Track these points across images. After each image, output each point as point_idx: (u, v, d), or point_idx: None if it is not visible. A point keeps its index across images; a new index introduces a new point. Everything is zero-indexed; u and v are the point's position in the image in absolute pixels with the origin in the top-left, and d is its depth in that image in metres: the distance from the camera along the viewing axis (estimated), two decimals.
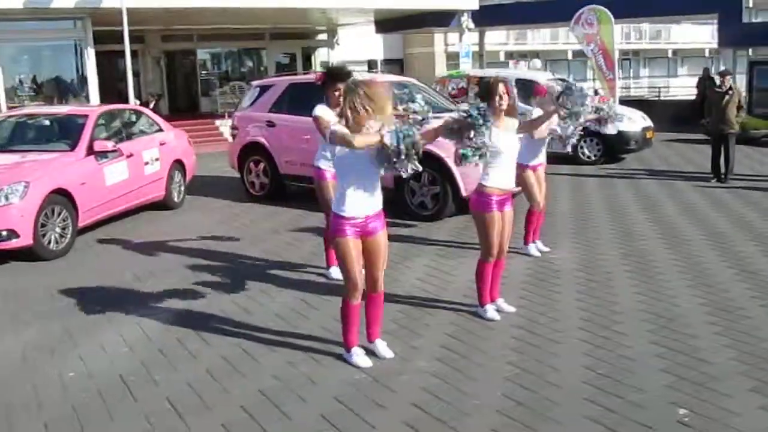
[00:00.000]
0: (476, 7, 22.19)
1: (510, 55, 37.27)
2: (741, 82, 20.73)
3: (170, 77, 24.94)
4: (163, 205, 10.45)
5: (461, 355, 4.99)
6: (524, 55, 37.83)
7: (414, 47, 33.45)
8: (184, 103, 25.40)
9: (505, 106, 5.54)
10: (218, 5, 17.99)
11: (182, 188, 11.00)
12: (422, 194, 9.39)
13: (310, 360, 4.95)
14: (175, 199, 10.73)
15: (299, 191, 11.26)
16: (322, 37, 27.26)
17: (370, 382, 4.60)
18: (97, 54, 18.55)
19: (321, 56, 27.93)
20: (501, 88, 5.51)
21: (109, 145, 8.91)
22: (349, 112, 4.45)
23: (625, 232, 8.58)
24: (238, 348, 5.22)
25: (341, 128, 4.38)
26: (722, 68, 26.61)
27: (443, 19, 22.90)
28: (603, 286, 6.51)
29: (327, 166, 6.65)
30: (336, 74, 6.48)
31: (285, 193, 11.21)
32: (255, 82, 12.14)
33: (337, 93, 6.33)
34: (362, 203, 4.58)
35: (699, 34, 42.89)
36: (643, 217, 9.47)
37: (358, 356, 4.84)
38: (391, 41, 31.57)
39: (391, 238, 8.06)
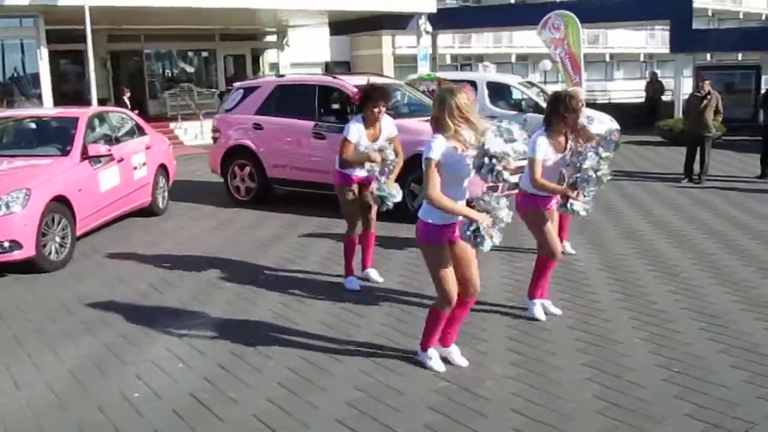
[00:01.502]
0: (434, 10, 22.27)
1: (455, 58, 37.59)
2: (688, 86, 21.44)
3: (116, 79, 24.16)
4: (148, 211, 10.07)
5: (534, 359, 4.95)
6: (468, 59, 38.23)
7: (361, 49, 33.39)
8: (130, 105, 24.64)
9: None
10: (179, 5, 17.50)
11: (166, 194, 10.64)
12: (423, 197, 9.28)
13: (383, 369, 4.82)
14: (160, 205, 10.37)
15: (284, 195, 11.06)
16: (272, 38, 26.91)
17: (457, 389, 4.50)
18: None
19: (270, 57, 27.58)
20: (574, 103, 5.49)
21: (103, 149, 8.53)
22: (449, 122, 4.33)
23: (629, 232, 8.72)
24: (300, 359, 5.03)
25: (439, 195, 4.32)
26: (651, 71, 27.51)
27: (400, 21, 22.90)
28: (633, 285, 6.59)
29: (351, 171, 6.53)
30: (378, 93, 6.36)
31: (270, 197, 10.96)
32: (237, 84, 11.85)
33: (376, 110, 6.26)
34: None
35: (634, 39, 44.24)
36: (638, 216, 9.65)
37: (435, 360, 4.75)
38: (338, 43, 31.39)
39: (408, 242, 8.13)
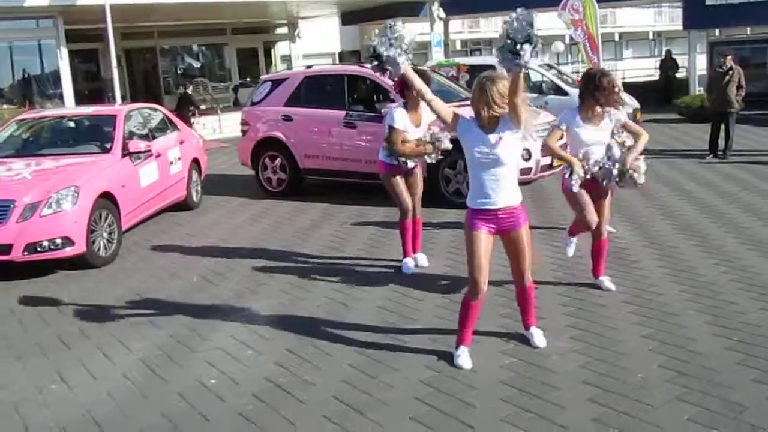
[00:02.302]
0: None
1: (465, 43, 37.58)
2: (702, 62, 21.43)
3: (131, 76, 24.29)
4: (183, 205, 10.20)
5: (594, 333, 5.06)
6: (478, 43, 38.22)
7: (372, 38, 33.34)
8: (146, 101, 24.82)
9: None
10: (194, 0, 17.60)
11: (199, 188, 10.77)
12: (458, 182, 9.40)
13: (447, 349, 4.90)
14: (195, 199, 10.51)
15: (316, 185, 11.18)
16: (283, 30, 26.97)
17: (525, 365, 4.62)
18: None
19: (282, 50, 27.65)
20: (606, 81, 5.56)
21: (143, 145, 8.66)
22: (485, 110, 4.41)
23: (663, 209, 8.81)
24: (365, 342, 5.15)
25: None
26: (666, 49, 27.47)
27: (413, 8, 22.93)
28: (678, 260, 6.69)
29: (397, 161, 6.65)
30: (420, 76, 6.44)
31: (302, 188, 11.08)
32: (264, 77, 11.97)
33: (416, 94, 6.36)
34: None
35: (643, 17, 44.09)
36: (669, 193, 9.74)
37: (464, 357, 4.72)
38: (348, 33, 31.42)
39: (449, 225, 8.26)
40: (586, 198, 5.73)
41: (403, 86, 6.52)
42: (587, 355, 4.71)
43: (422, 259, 6.97)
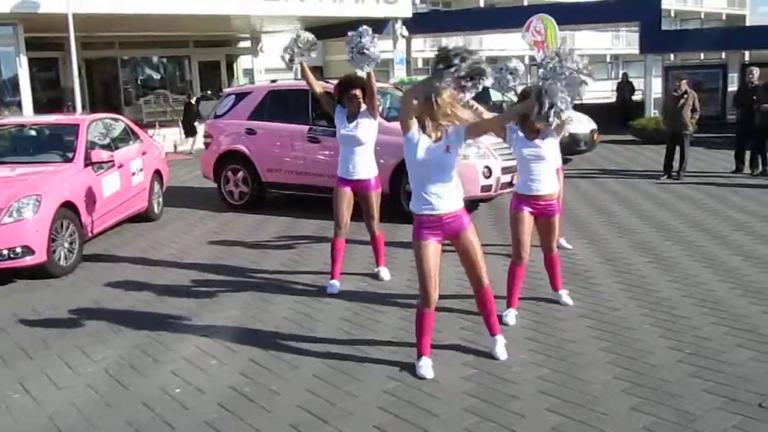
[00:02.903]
0: (410, 15, 22.57)
1: (426, 61, 37.90)
2: (657, 85, 22.02)
3: (90, 86, 24.05)
4: (144, 217, 10.15)
5: (553, 345, 5.20)
6: None
7: (334, 54, 33.58)
8: (105, 112, 24.58)
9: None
10: (156, 12, 17.55)
11: (161, 199, 10.74)
12: None
13: (411, 359, 5.00)
14: (156, 211, 10.46)
15: (278, 199, 11.22)
16: (246, 44, 26.97)
17: (488, 376, 4.73)
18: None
19: (244, 63, 27.63)
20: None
21: (105, 155, 8.62)
22: (446, 120, 4.52)
23: (619, 227, 9.05)
24: (328, 354, 5.22)
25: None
26: (623, 72, 28.15)
27: (376, 26, 22.91)
28: (634, 276, 6.89)
29: (343, 174, 6.81)
30: (351, 81, 6.68)
31: (264, 201, 11.11)
32: (228, 90, 12.00)
33: (352, 99, 6.57)
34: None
35: (601, 41, 45.08)
36: (625, 212, 10.00)
37: (425, 367, 4.79)
38: None
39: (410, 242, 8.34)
40: (527, 228, 5.72)
41: (340, 91, 6.72)
42: (546, 367, 4.84)
43: (384, 273, 7.06)
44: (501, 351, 5.02)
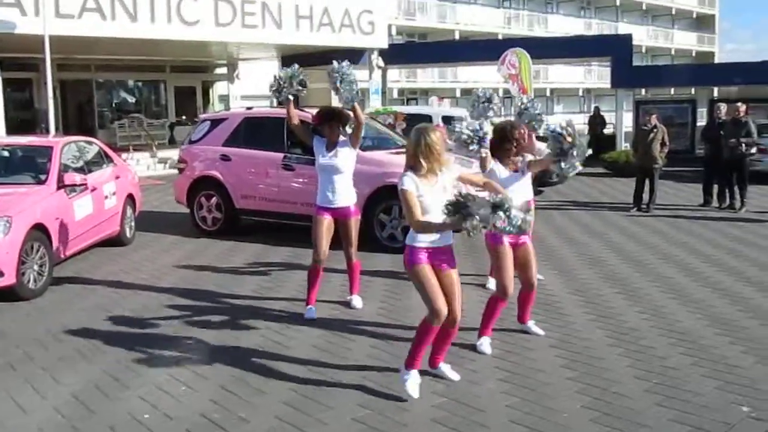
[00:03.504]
0: (386, 46, 22.81)
1: (402, 92, 38.30)
2: (628, 119, 22.39)
3: (64, 107, 23.93)
4: (116, 241, 10.09)
5: (522, 375, 5.25)
6: (415, 92, 39.01)
7: (311, 83, 33.45)
8: (79, 135, 24.45)
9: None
10: (134, 36, 17.60)
11: (133, 224, 10.69)
12: (392, 227, 9.58)
13: (382, 388, 5.02)
14: (128, 235, 10.40)
15: (251, 226, 11.21)
16: (222, 71, 27.05)
17: (456, 404, 4.76)
18: None
19: (220, 90, 27.69)
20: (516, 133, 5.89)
21: (78, 178, 8.58)
22: (423, 161, 4.65)
23: (590, 258, 9.16)
24: (299, 380, 5.22)
25: (421, 221, 4.61)
26: (595, 106, 28.63)
27: (352, 56, 23.12)
28: (603, 307, 6.97)
29: (323, 203, 6.86)
30: (333, 112, 6.77)
31: (237, 228, 11.10)
32: (204, 116, 12.03)
33: (331, 130, 6.70)
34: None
35: (573, 75, 45.85)
36: (596, 243, 10.13)
37: (412, 382, 4.89)
38: None
39: (383, 270, 8.38)
40: (510, 260, 5.79)
41: (320, 121, 6.79)
42: (516, 396, 4.88)
43: (357, 302, 7.07)
44: (452, 373, 5.19)
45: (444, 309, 4.78)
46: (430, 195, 4.67)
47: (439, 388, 5.03)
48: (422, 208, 4.66)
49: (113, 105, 26.12)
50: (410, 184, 4.66)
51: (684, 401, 4.74)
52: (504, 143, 5.91)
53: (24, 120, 21.83)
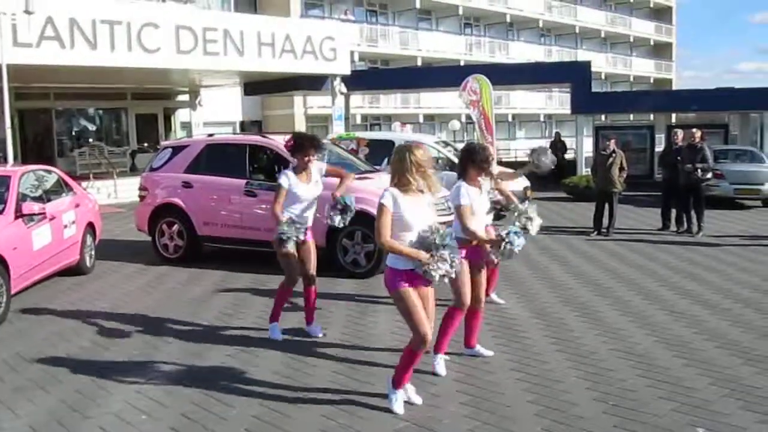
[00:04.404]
0: (348, 72, 22.98)
1: (365, 117, 38.50)
2: (589, 144, 22.78)
3: (23, 136, 23.58)
4: (75, 270, 9.97)
5: (483, 398, 5.29)
6: (378, 118, 39.25)
7: (273, 109, 33.82)
8: (39, 163, 24.09)
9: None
10: (94, 64, 17.50)
11: (93, 252, 10.57)
12: (355, 252, 9.61)
13: (344, 413, 5.04)
14: (88, 264, 10.29)
15: (214, 253, 11.16)
16: (184, 98, 26.98)
17: (417, 428, 4.78)
18: None
19: (182, 116, 27.59)
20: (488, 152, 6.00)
21: (36, 208, 8.49)
22: (410, 179, 4.72)
23: (551, 282, 9.28)
24: (261, 406, 5.20)
25: (389, 241, 4.76)
26: (555, 132, 29.08)
27: (315, 83, 23.47)
28: (563, 330, 7.07)
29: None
30: (309, 142, 6.79)
31: (200, 255, 11.04)
32: (165, 143, 11.98)
33: (306, 159, 6.68)
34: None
35: (534, 100, 46.53)
36: (557, 267, 10.27)
37: (399, 402, 5.02)
38: (250, 103, 31.73)
39: (345, 295, 8.40)
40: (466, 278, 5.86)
41: (296, 146, 6.80)
42: (476, 419, 4.91)
43: (316, 330, 7.04)
44: (416, 397, 5.23)
45: (429, 334, 4.84)
46: (412, 211, 4.72)
47: (403, 413, 5.03)
48: (404, 224, 4.74)
49: (73, 133, 25.84)
50: (389, 200, 4.72)
51: (641, 423, 4.81)
52: (477, 164, 5.93)
53: None
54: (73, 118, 26.07)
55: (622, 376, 5.73)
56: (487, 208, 6.20)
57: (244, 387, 5.60)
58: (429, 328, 4.85)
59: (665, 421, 4.85)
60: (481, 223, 6.03)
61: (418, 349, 4.89)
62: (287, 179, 6.73)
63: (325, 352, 6.44)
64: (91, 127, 26.59)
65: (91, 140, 25.15)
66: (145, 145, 25.65)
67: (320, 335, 6.97)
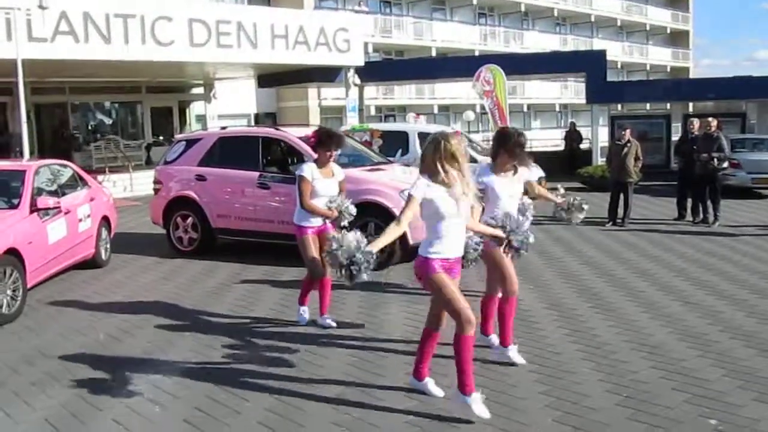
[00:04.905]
0: (362, 63, 22.96)
1: (379, 109, 38.46)
2: (604, 134, 22.61)
3: (39, 131, 23.80)
4: (91, 263, 10.05)
5: (497, 390, 5.27)
6: (392, 109, 39.19)
7: (287, 101, 33.86)
8: (55, 158, 24.28)
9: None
10: (109, 58, 17.59)
11: (108, 246, 10.64)
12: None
13: (357, 405, 5.04)
14: (103, 257, 10.36)
15: (228, 245, 11.20)
16: (199, 90, 27.06)
17: (429, 421, 4.79)
18: None
19: (197, 109, 27.68)
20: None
21: (51, 202, 8.55)
22: (440, 169, 4.64)
23: (565, 273, 9.24)
24: (274, 399, 5.23)
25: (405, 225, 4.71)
26: (570, 122, 28.91)
27: (329, 74, 23.45)
28: (576, 321, 7.04)
29: (308, 224, 6.83)
30: (333, 137, 6.77)
31: (214, 247, 11.09)
32: (179, 136, 12.02)
33: (329, 155, 6.67)
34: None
35: (550, 90, 46.28)
36: (571, 258, 10.22)
37: (478, 403, 4.80)
38: (264, 95, 31.77)
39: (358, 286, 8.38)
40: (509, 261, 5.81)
41: (316, 143, 6.81)
42: (490, 411, 4.89)
43: (329, 321, 7.06)
44: (436, 389, 5.20)
45: (471, 313, 4.71)
46: (445, 201, 4.66)
47: (412, 404, 5.04)
48: (439, 213, 4.67)
49: (89, 127, 26.01)
50: (420, 191, 4.66)
51: (654, 415, 4.79)
52: (509, 149, 5.78)
53: None
54: (89, 112, 26.23)
55: (635, 367, 5.70)
56: (519, 193, 6.06)
57: (257, 380, 5.63)
58: (467, 305, 4.73)
59: (678, 412, 4.82)
60: (512, 207, 5.88)
61: (467, 331, 4.68)
62: (310, 171, 6.73)
63: (338, 344, 6.46)
64: (107, 121, 26.75)
65: (106, 134, 25.25)
66: (161, 138, 25.77)
67: (333, 326, 6.99)
